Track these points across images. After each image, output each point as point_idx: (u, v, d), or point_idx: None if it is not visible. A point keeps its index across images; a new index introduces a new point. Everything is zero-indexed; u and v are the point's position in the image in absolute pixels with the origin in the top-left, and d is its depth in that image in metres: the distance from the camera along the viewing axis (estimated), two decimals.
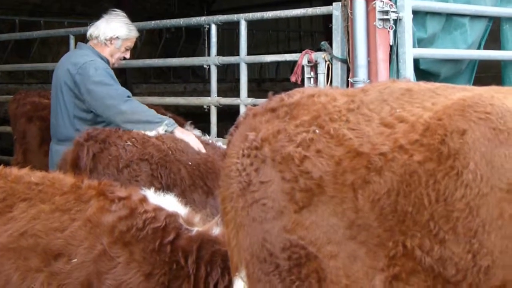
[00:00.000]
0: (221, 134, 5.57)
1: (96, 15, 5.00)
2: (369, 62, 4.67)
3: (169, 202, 2.93)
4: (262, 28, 13.25)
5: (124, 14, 5.02)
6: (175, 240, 2.68)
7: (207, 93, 6.12)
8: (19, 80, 11.42)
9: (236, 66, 6.10)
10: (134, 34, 4.96)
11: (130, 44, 4.95)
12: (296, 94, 2.29)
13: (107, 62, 4.88)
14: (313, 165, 2.05)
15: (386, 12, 4.60)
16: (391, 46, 4.67)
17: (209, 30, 5.85)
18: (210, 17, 5.89)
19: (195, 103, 6.40)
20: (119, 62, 5.05)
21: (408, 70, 4.67)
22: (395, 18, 4.61)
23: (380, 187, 1.96)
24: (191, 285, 2.62)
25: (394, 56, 4.71)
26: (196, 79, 13.18)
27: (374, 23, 4.59)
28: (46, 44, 12.50)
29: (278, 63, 12.24)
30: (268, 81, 13.03)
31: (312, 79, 4.98)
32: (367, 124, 2.05)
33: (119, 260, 2.62)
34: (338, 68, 4.90)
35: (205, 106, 5.81)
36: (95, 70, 4.64)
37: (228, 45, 10.80)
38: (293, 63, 5.16)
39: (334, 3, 4.86)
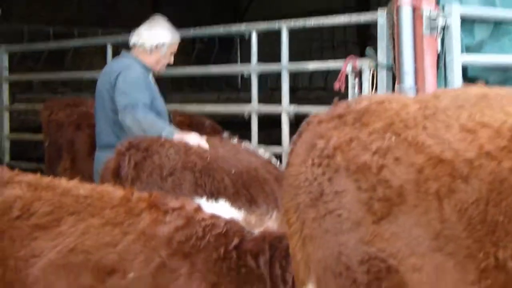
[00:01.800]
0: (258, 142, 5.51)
1: (129, 25, 4.96)
2: (415, 69, 4.57)
3: (222, 209, 2.86)
4: (295, 38, 13.17)
5: (164, 19, 4.96)
6: (240, 244, 2.60)
7: (241, 102, 6.04)
8: (53, 90, 11.50)
9: (270, 75, 6.02)
10: (178, 37, 4.92)
11: (175, 48, 4.91)
12: (363, 101, 2.21)
13: (149, 70, 4.86)
14: (391, 174, 1.97)
15: (434, 19, 4.49)
16: (438, 54, 4.57)
17: (241, 40, 5.78)
18: (251, 25, 5.81)
19: (235, 110, 6.32)
20: (164, 69, 5.00)
21: (456, 77, 4.57)
22: (443, 25, 4.51)
23: (468, 195, 1.87)
24: (267, 285, 2.53)
25: (442, 64, 4.60)
26: (229, 89, 13.14)
27: (422, 30, 4.50)
28: (79, 55, 12.58)
29: (311, 72, 12.16)
30: (302, 90, 12.94)
31: (356, 87, 4.90)
32: (446, 130, 1.97)
33: (180, 272, 2.55)
34: (383, 76, 4.81)
35: (245, 114, 5.75)
36: (124, 78, 4.64)
37: (259, 53, 10.73)
38: (327, 72, 5.08)
39: (379, 10, 4.78)
